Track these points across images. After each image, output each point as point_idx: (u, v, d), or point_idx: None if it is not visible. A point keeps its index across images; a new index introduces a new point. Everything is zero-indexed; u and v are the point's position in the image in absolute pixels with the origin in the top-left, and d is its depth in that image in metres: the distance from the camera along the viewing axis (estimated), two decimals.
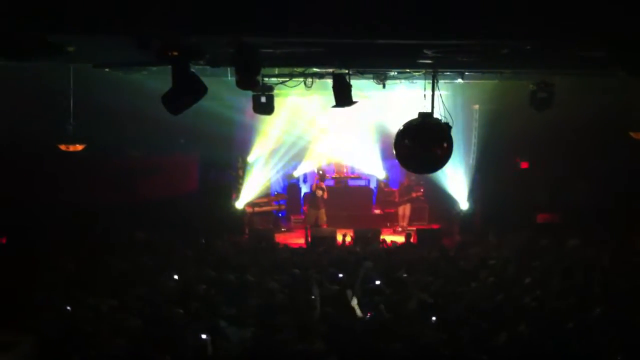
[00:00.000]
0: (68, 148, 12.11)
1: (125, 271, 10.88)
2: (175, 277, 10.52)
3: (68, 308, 8.86)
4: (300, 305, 9.08)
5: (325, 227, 16.72)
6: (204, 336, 7.79)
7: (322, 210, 17.25)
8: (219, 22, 5.45)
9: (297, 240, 16.00)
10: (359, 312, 8.95)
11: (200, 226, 14.49)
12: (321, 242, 14.18)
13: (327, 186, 18.53)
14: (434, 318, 8.62)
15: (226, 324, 8.26)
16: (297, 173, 18.97)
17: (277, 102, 11.83)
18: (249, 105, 12.05)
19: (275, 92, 11.62)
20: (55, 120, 12.28)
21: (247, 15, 5.33)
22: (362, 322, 8.69)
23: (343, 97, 9.70)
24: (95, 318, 8.50)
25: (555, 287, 10.00)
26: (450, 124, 9.09)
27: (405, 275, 10.73)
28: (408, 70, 10.32)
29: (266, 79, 11.09)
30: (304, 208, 18.09)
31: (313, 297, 9.37)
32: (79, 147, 12.19)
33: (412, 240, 14.95)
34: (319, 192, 17.27)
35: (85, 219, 13.39)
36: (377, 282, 10.01)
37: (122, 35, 6.01)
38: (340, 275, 10.56)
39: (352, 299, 9.28)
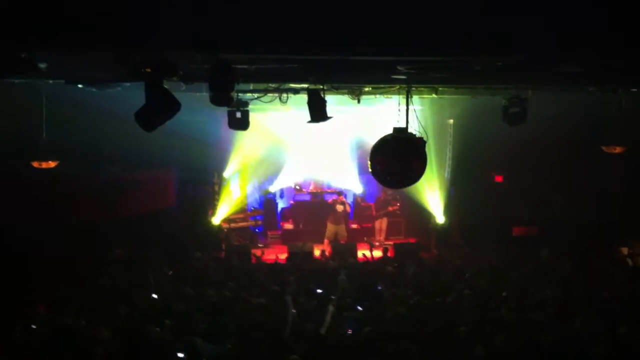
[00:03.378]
0: (40, 165, 11.95)
1: (104, 288, 10.76)
2: (154, 295, 10.42)
3: (33, 326, 8.76)
4: (278, 321, 9.04)
5: (343, 242, 16.50)
6: (180, 355, 7.73)
7: (342, 226, 17.06)
8: (195, 39, 5.44)
9: (274, 255, 15.88)
10: (325, 327, 8.88)
11: (178, 242, 14.36)
12: (299, 258, 14.10)
13: (304, 201, 18.51)
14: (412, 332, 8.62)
15: (202, 340, 8.20)
16: (274, 188, 18.91)
17: (253, 118, 11.78)
18: (224, 120, 12.00)
19: (251, 107, 11.58)
20: (28, 137, 12.12)
21: (222, 32, 5.33)
22: (342, 338, 8.65)
23: (318, 113, 9.69)
24: (72, 335, 8.41)
25: (533, 299, 10.06)
26: (425, 138, 9.15)
27: (383, 289, 10.72)
28: (382, 86, 10.36)
29: (241, 94, 11.05)
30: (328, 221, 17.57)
31: (291, 312, 9.33)
32: (52, 164, 12.03)
33: (389, 254, 14.94)
34: (340, 207, 17.01)
35: (62, 236, 13.19)
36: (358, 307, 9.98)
37: (99, 51, 5.96)
38: (319, 290, 10.53)
39: (328, 314, 9.25)
